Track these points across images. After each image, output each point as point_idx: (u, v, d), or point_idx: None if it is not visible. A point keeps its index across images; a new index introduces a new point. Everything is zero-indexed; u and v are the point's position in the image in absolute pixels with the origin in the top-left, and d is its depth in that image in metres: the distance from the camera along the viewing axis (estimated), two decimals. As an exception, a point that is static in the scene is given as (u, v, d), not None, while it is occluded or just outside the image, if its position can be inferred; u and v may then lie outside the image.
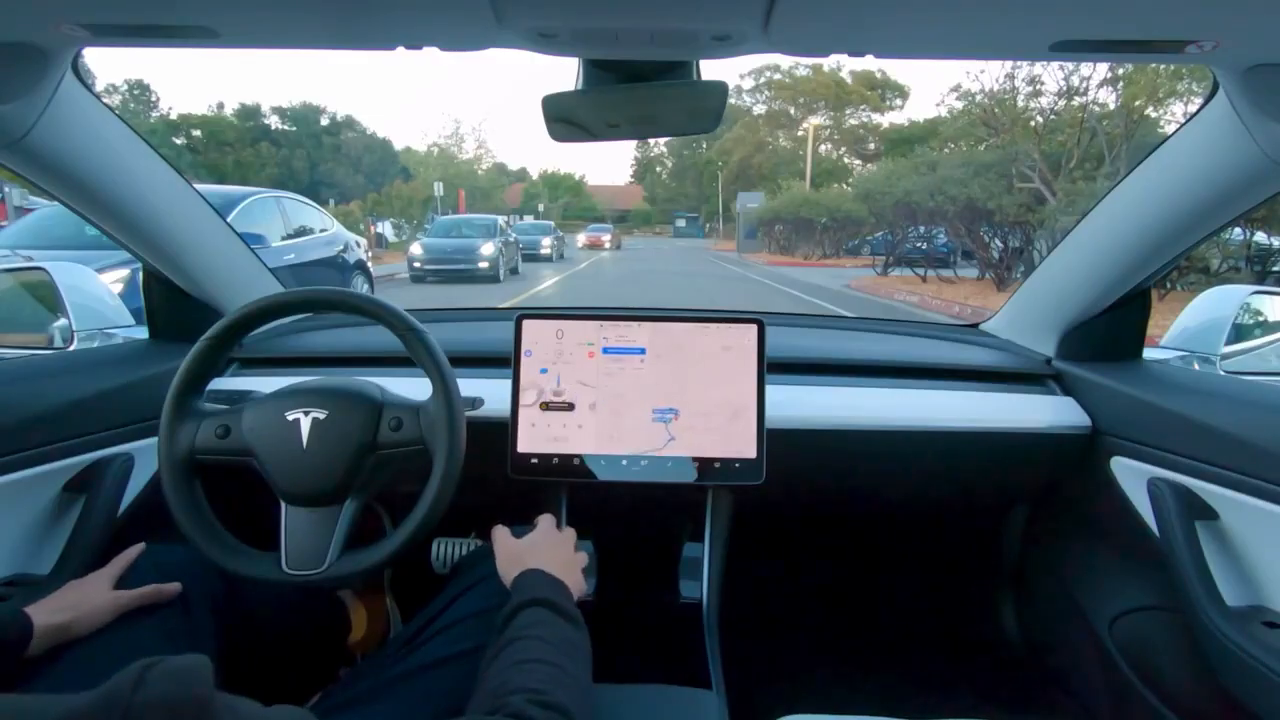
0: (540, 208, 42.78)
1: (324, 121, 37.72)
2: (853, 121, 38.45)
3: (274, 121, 36.83)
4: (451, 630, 0.78)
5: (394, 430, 0.84)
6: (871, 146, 36.83)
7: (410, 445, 0.84)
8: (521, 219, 29.54)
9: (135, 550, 0.83)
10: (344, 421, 0.83)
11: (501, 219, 14.57)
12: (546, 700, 0.54)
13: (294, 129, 36.44)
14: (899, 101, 38.15)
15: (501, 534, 0.84)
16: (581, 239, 27.19)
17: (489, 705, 0.54)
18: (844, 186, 21.85)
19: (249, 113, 35.92)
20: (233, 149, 32.65)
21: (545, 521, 0.87)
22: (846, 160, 37.72)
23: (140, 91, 33.51)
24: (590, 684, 0.64)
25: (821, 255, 19.50)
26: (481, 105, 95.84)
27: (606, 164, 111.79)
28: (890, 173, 13.34)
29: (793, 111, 38.69)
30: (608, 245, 26.88)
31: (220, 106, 36.53)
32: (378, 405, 0.86)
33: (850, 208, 16.84)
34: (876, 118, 38.26)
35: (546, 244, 19.12)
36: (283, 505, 0.84)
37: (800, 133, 37.19)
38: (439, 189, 23.04)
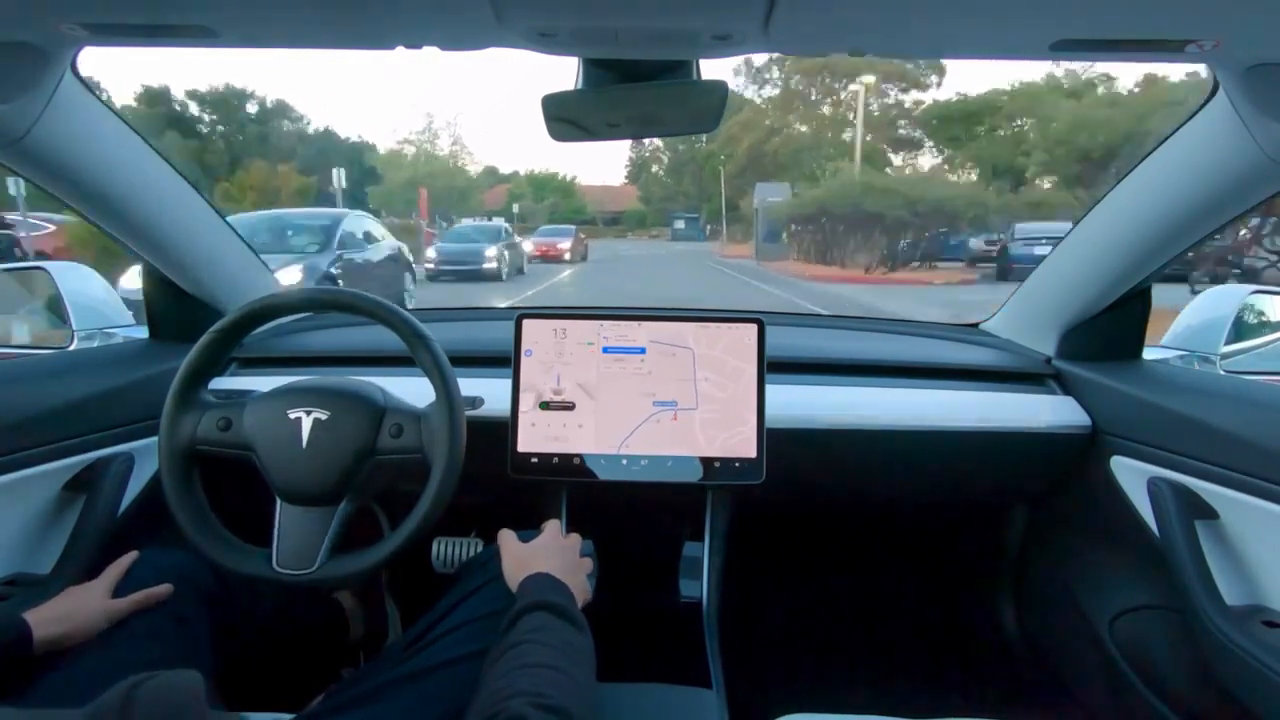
0: (515, 208, 34.69)
1: (251, 109, 32.89)
2: (886, 100, 31.65)
3: (192, 108, 31.03)
4: (456, 633, 0.77)
5: (394, 437, 0.84)
6: (902, 131, 31.35)
7: (409, 453, 0.84)
8: (490, 220, 21.69)
9: (129, 558, 0.83)
10: (345, 424, 0.83)
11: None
12: (548, 704, 0.54)
13: (214, 117, 31.60)
14: (935, 78, 31.06)
15: (507, 538, 0.84)
16: (528, 247, 18.05)
17: (490, 708, 0.54)
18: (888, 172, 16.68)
19: (155, 97, 29.26)
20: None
21: (551, 526, 0.87)
22: (880, 146, 30.80)
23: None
24: (593, 689, 0.64)
25: (891, 266, 13.11)
26: (459, 102, 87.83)
27: (600, 164, 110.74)
28: (1074, 120, 8.98)
29: (813, 94, 32.40)
30: (567, 256, 19.36)
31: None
32: (380, 410, 0.86)
33: (948, 194, 11.58)
34: (916, 93, 31.44)
35: (491, 255, 12.81)
36: (278, 502, 0.84)
37: (824, 110, 31.03)
38: (338, 177, 15.70)
